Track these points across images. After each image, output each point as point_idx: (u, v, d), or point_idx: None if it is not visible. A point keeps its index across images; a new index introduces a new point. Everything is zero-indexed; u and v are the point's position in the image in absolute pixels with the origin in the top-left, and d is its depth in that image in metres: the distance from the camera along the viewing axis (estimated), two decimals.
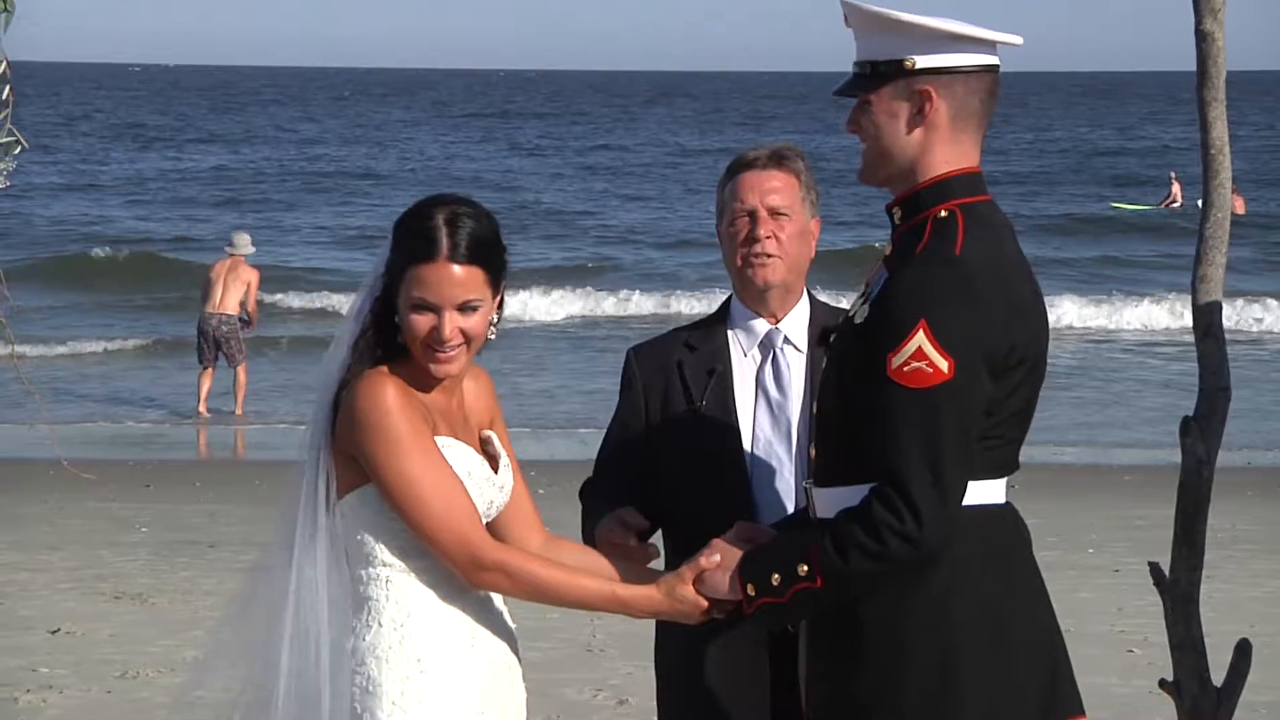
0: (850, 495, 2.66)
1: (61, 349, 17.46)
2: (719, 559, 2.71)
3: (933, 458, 2.58)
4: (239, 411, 14.03)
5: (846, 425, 2.69)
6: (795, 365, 3.25)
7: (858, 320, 2.70)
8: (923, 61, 2.70)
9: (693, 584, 2.69)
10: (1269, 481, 10.39)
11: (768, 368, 3.25)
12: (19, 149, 3.21)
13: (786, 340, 3.24)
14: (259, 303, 14.65)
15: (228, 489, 10.18)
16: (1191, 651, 3.30)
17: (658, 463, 3.22)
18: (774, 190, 3.17)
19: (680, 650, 3.18)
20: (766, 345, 3.24)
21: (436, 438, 2.67)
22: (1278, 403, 14.17)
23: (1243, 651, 3.31)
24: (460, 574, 2.64)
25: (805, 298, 3.27)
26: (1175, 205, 28.50)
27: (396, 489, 2.61)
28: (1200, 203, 3.36)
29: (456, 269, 2.64)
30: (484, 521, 2.71)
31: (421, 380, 2.71)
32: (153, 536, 9.27)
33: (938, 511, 2.59)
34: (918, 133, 2.70)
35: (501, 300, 2.75)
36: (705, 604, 2.69)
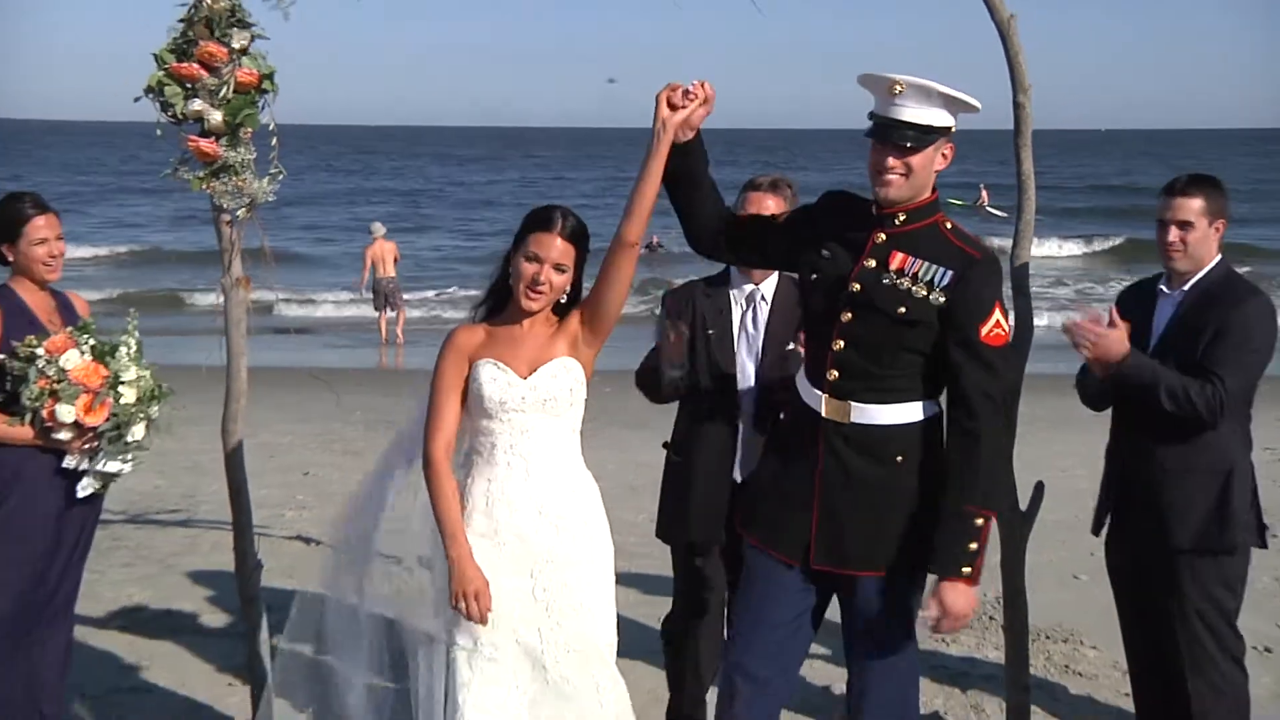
0: (903, 408, 3.17)
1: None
2: (933, 608, 3.14)
3: (1011, 382, 3.43)
4: (400, 340, 17.48)
5: (886, 358, 3.16)
6: (762, 311, 3.89)
7: (933, 301, 3.11)
8: (955, 124, 3.18)
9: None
10: (1059, 383, 11.66)
11: (749, 313, 3.90)
12: (281, 176, 4.19)
13: (762, 297, 3.91)
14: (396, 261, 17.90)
15: (413, 388, 11.69)
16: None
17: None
18: (767, 208, 3.82)
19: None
20: (750, 298, 3.92)
21: (480, 361, 3.21)
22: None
23: (1039, 489, 4.08)
24: (421, 450, 3.21)
25: (777, 272, 3.94)
26: (985, 206, 31.45)
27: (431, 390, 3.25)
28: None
29: (559, 241, 3.18)
30: (512, 407, 3.21)
31: (510, 317, 3.24)
32: (365, 416, 10.90)
33: (1013, 406, 3.54)
34: (936, 173, 3.23)
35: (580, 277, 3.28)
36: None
